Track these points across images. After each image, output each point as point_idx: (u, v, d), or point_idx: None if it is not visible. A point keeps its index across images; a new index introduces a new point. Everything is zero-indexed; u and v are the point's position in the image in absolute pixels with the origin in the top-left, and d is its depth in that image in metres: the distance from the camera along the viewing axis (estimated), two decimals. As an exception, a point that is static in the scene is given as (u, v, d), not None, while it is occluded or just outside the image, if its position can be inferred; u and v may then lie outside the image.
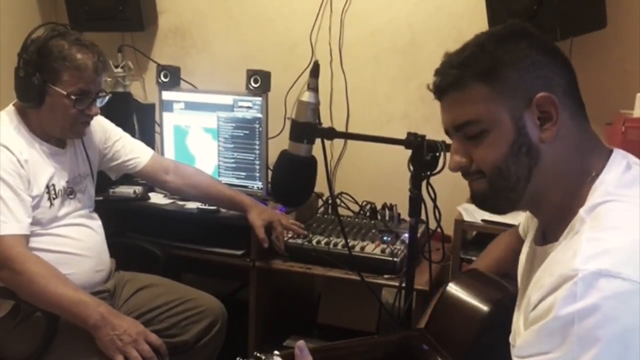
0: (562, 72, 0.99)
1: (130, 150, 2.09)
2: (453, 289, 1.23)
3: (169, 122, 2.51)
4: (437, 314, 1.23)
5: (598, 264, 0.84)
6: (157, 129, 2.60)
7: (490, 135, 0.99)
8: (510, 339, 1.07)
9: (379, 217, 2.29)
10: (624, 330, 0.81)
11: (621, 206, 0.92)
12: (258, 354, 0.97)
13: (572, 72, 1.01)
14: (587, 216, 0.93)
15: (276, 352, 0.98)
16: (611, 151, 1.01)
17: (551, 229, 1.03)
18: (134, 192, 2.33)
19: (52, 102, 1.74)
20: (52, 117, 1.77)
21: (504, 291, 1.21)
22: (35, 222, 1.73)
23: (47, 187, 1.78)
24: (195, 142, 2.49)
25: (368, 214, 2.35)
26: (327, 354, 1.02)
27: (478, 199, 1.06)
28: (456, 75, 1.00)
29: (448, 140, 1.41)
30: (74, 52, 1.72)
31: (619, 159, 0.98)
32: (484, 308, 1.17)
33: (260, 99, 2.31)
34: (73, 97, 1.73)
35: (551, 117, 0.96)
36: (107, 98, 1.87)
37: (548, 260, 0.97)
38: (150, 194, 2.39)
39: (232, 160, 2.43)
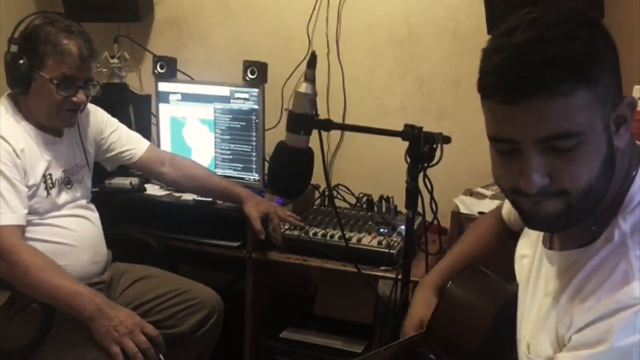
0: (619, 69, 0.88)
1: (127, 142, 2.09)
2: (454, 290, 1.21)
3: (165, 113, 2.49)
4: (439, 318, 1.21)
5: None
6: (153, 120, 2.59)
7: (586, 148, 0.83)
8: (524, 348, 1.01)
9: (375, 209, 2.29)
10: None
11: None
12: None
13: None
14: (628, 228, 0.86)
15: None
16: None
17: (570, 232, 0.94)
18: (130, 183, 2.33)
19: (38, 88, 1.74)
20: (38, 103, 1.76)
21: (505, 292, 1.19)
22: (32, 212, 1.73)
23: (44, 176, 1.78)
24: (191, 133, 2.48)
25: (365, 205, 2.34)
26: None
27: (548, 221, 0.90)
28: (555, 76, 0.81)
29: (445, 132, 1.43)
30: (60, 38, 1.72)
31: None
32: (489, 312, 1.15)
33: (257, 90, 2.30)
34: (56, 81, 1.72)
35: (625, 120, 0.87)
36: (97, 87, 1.86)
37: (583, 273, 0.89)
38: (147, 186, 2.38)
39: (229, 152, 2.42)
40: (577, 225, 0.91)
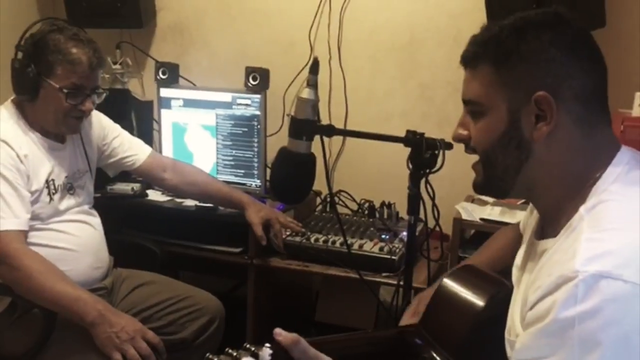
0: (583, 74, 0.95)
1: (129, 148, 2.09)
2: (448, 284, 1.23)
3: (167, 119, 2.50)
4: (432, 309, 1.23)
5: (599, 265, 0.82)
6: (155, 126, 2.59)
7: (485, 119, 1.00)
8: (506, 333, 1.06)
9: (377, 215, 2.29)
10: (626, 333, 0.80)
11: (621, 205, 0.90)
12: (248, 345, 0.97)
13: (598, 76, 0.97)
14: (586, 214, 0.91)
15: (267, 344, 0.98)
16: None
17: (550, 224, 1.02)
18: (132, 189, 2.33)
19: (46, 96, 1.74)
20: (46, 110, 1.77)
21: (499, 286, 1.20)
22: (34, 217, 1.73)
23: (47, 182, 1.78)
24: (193, 139, 2.49)
25: (366, 212, 2.34)
26: (322, 346, 1.02)
27: (474, 183, 1.09)
28: (474, 53, 1.01)
29: (447, 139, 1.43)
30: (69, 47, 1.72)
31: (626, 159, 0.96)
32: (479, 303, 1.17)
33: (259, 96, 2.31)
34: (65, 90, 1.73)
35: (546, 117, 0.95)
36: (104, 95, 1.87)
37: (545, 258, 0.96)
38: (148, 191, 2.39)
39: (231, 158, 2.43)
40: (552, 215, 1.01)
